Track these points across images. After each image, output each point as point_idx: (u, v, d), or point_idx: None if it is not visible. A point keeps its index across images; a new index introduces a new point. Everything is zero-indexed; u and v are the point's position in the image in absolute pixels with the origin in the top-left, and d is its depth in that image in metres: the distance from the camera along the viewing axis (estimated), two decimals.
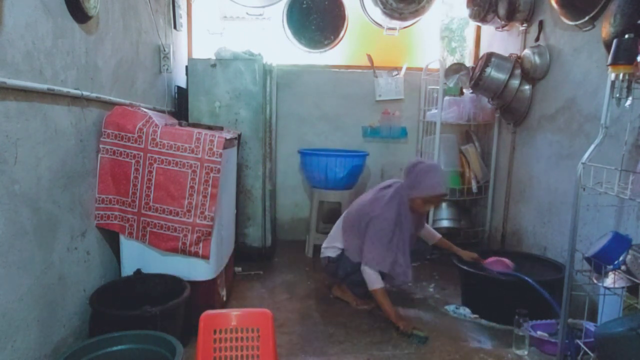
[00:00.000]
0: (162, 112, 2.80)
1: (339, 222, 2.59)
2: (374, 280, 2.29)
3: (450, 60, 3.84)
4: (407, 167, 2.40)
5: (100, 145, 1.98)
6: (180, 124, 2.27)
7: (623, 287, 1.65)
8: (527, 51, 2.92)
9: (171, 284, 2.02)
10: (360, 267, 2.33)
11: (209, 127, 2.30)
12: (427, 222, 3.36)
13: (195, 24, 3.59)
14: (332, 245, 2.54)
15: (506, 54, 3.10)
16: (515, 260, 2.52)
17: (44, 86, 1.52)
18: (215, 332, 1.55)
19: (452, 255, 2.62)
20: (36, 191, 1.52)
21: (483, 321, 2.35)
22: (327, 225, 3.33)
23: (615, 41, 1.58)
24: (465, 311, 2.43)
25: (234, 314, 1.60)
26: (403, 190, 2.37)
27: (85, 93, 1.81)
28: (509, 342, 2.11)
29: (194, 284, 2.03)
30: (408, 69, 3.67)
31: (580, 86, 2.46)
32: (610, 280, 1.67)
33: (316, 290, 2.74)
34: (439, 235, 2.69)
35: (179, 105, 3.21)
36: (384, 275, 2.33)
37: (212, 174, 2.01)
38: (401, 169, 3.82)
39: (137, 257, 2.07)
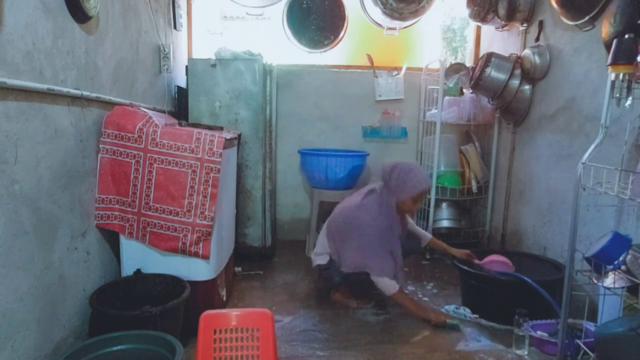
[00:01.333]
0: (162, 112, 2.80)
1: (324, 229, 2.56)
2: (389, 285, 2.28)
3: (450, 60, 3.84)
4: (384, 172, 2.37)
5: (100, 145, 1.98)
6: (180, 124, 2.27)
7: (623, 287, 1.65)
8: (527, 51, 2.92)
9: (171, 284, 2.02)
10: (371, 277, 2.32)
11: (209, 127, 2.30)
12: (428, 223, 3.38)
13: (195, 24, 3.59)
14: (320, 252, 2.53)
15: (506, 54, 3.10)
16: (515, 260, 2.52)
17: (44, 86, 1.52)
18: (215, 332, 1.55)
19: (448, 255, 2.62)
20: (36, 191, 1.52)
21: (483, 321, 2.35)
22: None
23: (615, 41, 1.58)
24: (465, 311, 2.43)
25: (234, 314, 1.60)
26: (388, 195, 2.34)
27: (85, 93, 1.81)
28: (509, 342, 2.11)
29: (194, 284, 2.03)
30: (408, 69, 3.67)
31: (580, 86, 2.46)
32: (610, 280, 1.67)
33: (316, 290, 2.74)
34: (429, 236, 2.69)
35: (179, 105, 3.21)
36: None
37: (212, 174, 2.01)
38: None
39: (137, 257, 2.07)
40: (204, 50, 3.62)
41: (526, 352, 2.03)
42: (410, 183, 2.28)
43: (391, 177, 2.32)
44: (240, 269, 2.96)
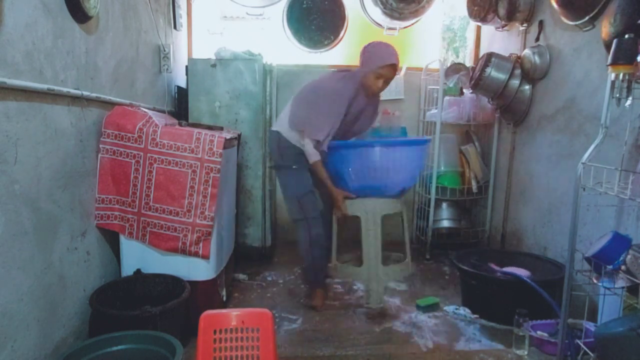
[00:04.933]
0: (162, 112, 2.80)
1: (288, 105, 2.50)
2: (310, 153, 2.29)
3: (450, 60, 3.84)
4: (361, 51, 2.37)
5: (100, 145, 1.98)
6: (180, 124, 2.27)
7: (623, 287, 1.65)
8: (527, 51, 2.92)
9: (171, 284, 2.02)
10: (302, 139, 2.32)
11: (209, 127, 2.30)
12: (428, 223, 3.38)
13: (195, 24, 3.59)
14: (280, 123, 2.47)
15: (506, 54, 3.10)
16: (515, 260, 2.52)
17: (44, 86, 1.52)
18: (215, 332, 1.55)
19: (451, 254, 2.61)
20: (36, 191, 1.52)
21: (483, 321, 2.35)
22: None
23: (615, 41, 1.58)
24: (465, 311, 2.43)
25: (234, 314, 1.60)
26: (358, 72, 2.34)
27: (85, 93, 1.81)
28: (509, 342, 2.11)
29: (194, 284, 2.03)
30: (408, 69, 3.67)
31: (580, 86, 2.46)
32: (610, 280, 1.67)
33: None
34: None
35: (179, 105, 3.21)
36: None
37: (212, 174, 2.01)
38: None
39: (137, 257, 2.07)
40: (204, 50, 3.62)
41: (526, 352, 2.03)
42: (375, 57, 2.27)
43: (363, 53, 2.34)
44: (245, 276, 2.92)
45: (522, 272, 2.36)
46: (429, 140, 2.60)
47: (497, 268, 2.45)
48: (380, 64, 2.25)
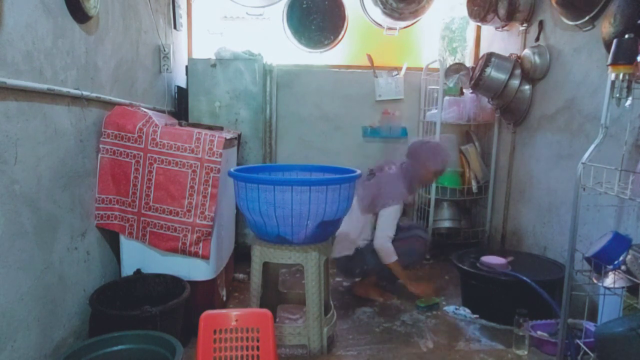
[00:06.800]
0: (162, 112, 2.80)
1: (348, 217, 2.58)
2: (392, 253, 2.43)
3: (450, 60, 3.84)
4: (414, 147, 2.61)
5: (100, 145, 1.98)
6: (180, 124, 2.27)
7: (623, 287, 1.65)
8: (527, 51, 2.92)
9: (171, 284, 2.02)
10: (375, 243, 2.45)
11: (209, 127, 2.30)
12: (428, 223, 3.38)
13: (195, 24, 3.59)
14: (347, 244, 2.57)
15: (506, 54, 3.10)
16: (515, 260, 2.52)
17: (44, 86, 1.52)
18: (215, 332, 1.55)
19: (452, 254, 2.64)
20: (36, 191, 1.52)
21: (483, 321, 2.35)
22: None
23: (615, 41, 1.59)
24: (465, 312, 2.43)
25: (234, 314, 1.60)
26: (412, 167, 2.54)
27: (85, 93, 1.81)
28: (509, 342, 2.11)
29: (194, 284, 2.03)
30: (408, 69, 3.67)
31: (580, 86, 2.46)
32: (610, 280, 1.67)
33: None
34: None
35: (179, 105, 3.21)
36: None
37: (212, 174, 2.01)
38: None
39: (137, 257, 2.07)
40: (204, 50, 3.62)
41: (526, 352, 2.03)
42: (440, 157, 2.55)
43: (422, 150, 2.57)
44: (245, 276, 2.89)
45: (499, 261, 2.39)
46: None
47: (487, 259, 2.46)
48: (447, 166, 2.60)
